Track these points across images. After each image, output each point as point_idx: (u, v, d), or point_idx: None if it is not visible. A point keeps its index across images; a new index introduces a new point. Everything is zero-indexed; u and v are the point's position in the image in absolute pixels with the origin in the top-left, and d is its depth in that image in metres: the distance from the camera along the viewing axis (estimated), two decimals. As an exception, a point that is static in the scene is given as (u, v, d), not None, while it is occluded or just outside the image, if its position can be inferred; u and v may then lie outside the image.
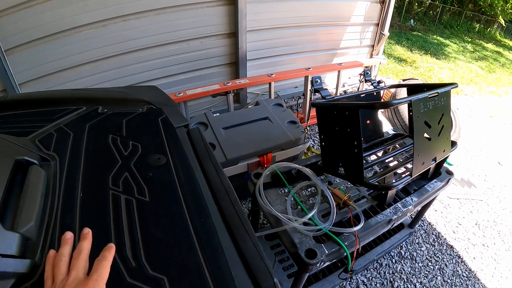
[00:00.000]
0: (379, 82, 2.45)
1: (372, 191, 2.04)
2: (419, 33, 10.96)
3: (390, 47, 8.44)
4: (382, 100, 2.66)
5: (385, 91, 4.32)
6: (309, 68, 3.65)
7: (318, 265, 1.56)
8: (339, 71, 4.03)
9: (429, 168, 2.17)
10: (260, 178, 1.90)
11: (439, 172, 2.26)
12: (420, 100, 1.70)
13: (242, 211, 1.16)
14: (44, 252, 0.83)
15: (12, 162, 1.01)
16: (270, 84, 3.49)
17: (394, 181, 1.86)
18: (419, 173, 1.83)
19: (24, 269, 0.77)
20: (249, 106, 3.24)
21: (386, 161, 2.27)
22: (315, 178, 1.88)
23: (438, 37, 10.94)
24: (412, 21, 12.47)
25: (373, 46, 5.05)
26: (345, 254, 1.62)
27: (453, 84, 1.98)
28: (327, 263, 1.64)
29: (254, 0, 3.59)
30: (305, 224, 1.68)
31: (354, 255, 1.69)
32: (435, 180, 2.20)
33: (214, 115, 2.84)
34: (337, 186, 1.99)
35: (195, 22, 3.42)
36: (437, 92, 1.81)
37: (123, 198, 1.04)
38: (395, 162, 2.28)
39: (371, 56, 5.09)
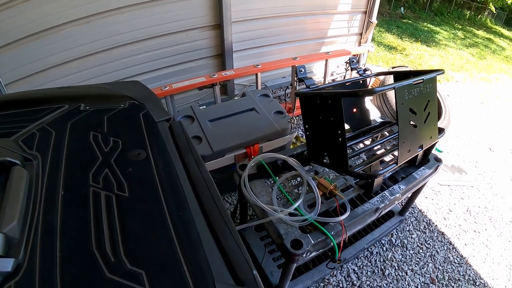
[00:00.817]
0: (365, 70, 2.42)
1: (358, 180, 2.02)
2: (410, 21, 10.93)
3: (380, 35, 8.40)
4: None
5: (375, 79, 4.31)
6: (296, 58, 3.61)
7: (304, 255, 1.56)
8: (326, 60, 3.99)
9: (417, 156, 2.15)
10: (245, 170, 1.88)
11: (427, 159, 2.25)
12: (404, 86, 1.68)
13: (223, 205, 1.15)
14: (28, 250, 0.84)
15: (-6, 164, 1.01)
16: (256, 75, 3.45)
17: (380, 169, 1.83)
18: (405, 161, 1.82)
19: (8, 268, 0.78)
20: (235, 98, 3.21)
21: (373, 149, 2.25)
22: (300, 168, 1.85)
23: (429, 25, 10.92)
24: (402, 8, 12.43)
25: (361, 34, 5.00)
26: (332, 243, 1.61)
27: (439, 71, 1.96)
28: (314, 253, 1.63)
29: (238, -10, 3.53)
30: (291, 214, 1.66)
31: (341, 245, 1.67)
32: (423, 167, 2.19)
33: (201, 108, 2.81)
34: (324, 175, 1.97)
35: (179, 15, 3.36)
36: (422, 79, 1.78)
37: (103, 195, 1.04)
38: (383, 150, 2.26)
39: (360, 44, 5.05)
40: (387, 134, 2.32)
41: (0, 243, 0.80)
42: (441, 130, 2.09)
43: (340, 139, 1.63)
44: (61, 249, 0.86)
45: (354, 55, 4.32)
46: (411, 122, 1.78)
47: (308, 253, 1.58)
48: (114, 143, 1.31)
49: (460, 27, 12.23)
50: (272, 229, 1.64)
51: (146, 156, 1.26)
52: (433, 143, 2.04)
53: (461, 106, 5.48)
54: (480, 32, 12.26)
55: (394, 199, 1.92)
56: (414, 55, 7.57)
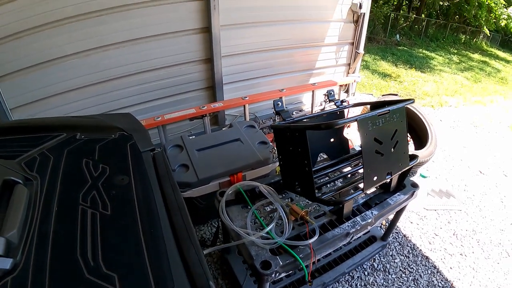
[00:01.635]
0: (342, 101, 2.57)
1: (332, 207, 2.13)
2: (405, 48, 11.19)
3: (375, 63, 8.60)
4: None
5: (363, 108, 4.45)
6: (283, 90, 3.78)
7: (273, 275, 1.66)
8: (313, 91, 4.16)
9: (390, 182, 2.26)
10: (223, 196, 2.01)
11: (402, 185, 2.34)
12: (367, 118, 1.81)
13: (190, 225, 1.32)
14: (24, 253, 1.03)
15: (0, 182, 1.22)
16: (244, 106, 3.62)
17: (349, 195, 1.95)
18: (371, 188, 1.93)
19: (7, 266, 0.96)
20: (223, 129, 3.37)
21: (348, 176, 2.37)
22: (271, 196, 1.98)
23: (424, 51, 11.15)
24: (398, 36, 12.72)
25: (349, 64, 5.20)
26: (301, 266, 1.71)
27: (409, 100, 2.09)
28: (283, 274, 1.73)
29: (227, 27, 3.74)
30: (263, 238, 1.78)
31: (311, 267, 1.77)
32: (398, 193, 2.28)
33: (190, 137, 2.97)
34: (298, 202, 2.08)
35: (171, 50, 3.57)
36: (388, 110, 1.91)
37: (89, 212, 1.24)
38: (357, 178, 2.37)
39: (348, 74, 5.23)
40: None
41: (1, 246, 0.98)
42: (413, 157, 2.20)
43: (306, 168, 1.76)
44: (51, 254, 1.05)
45: (341, 85, 4.49)
46: (378, 151, 1.89)
47: (277, 274, 1.68)
48: (102, 169, 1.51)
49: (455, 51, 12.46)
50: (245, 250, 1.76)
51: (129, 181, 1.46)
52: (403, 170, 2.14)
53: (454, 130, 5.54)
54: (476, 55, 12.46)
55: (366, 224, 2.02)
56: (408, 82, 7.73)
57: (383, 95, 5.00)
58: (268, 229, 1.79)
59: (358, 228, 1.97)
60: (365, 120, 1.79)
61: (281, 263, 1.67)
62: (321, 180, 2.31)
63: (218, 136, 2.99)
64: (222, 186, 2.63)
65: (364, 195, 2.17)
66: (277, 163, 2.86)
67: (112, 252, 1.10)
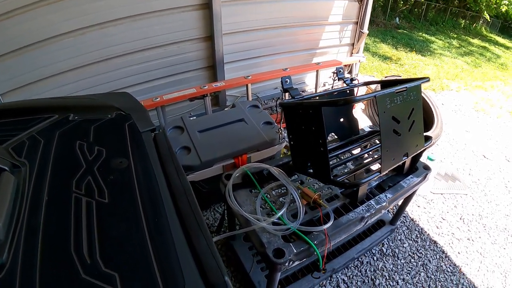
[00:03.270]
0: (351, 79, 2.44)
1: (344, 189, 2.02)
2: (405, 31, 11.01)
3: (375, 45, 8.46)
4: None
5: (367, 89, 4.32)
6: (286, 69, 3.64)
7: (286, 264, 1.55)
8: (317, 71, 4.03)
9: (403, 164, 2.15)
10: (230, 180, 1.88)
11: (415, 168, 2.24)
12: (386, 95, 1.68)
13: (199, 211, 1.18)
14: (11, 251, 0.90)
15: (-17, 170, 1.09)
16: (247, 86, 3.48)
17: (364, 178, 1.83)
18: (389, 170, 1.82)
19: None
20: (225, 109, 3.23)
21: (360, 158, 2.26)
22: (282, 178, 1.86)
23: (424, 34, 11.01)
24: (397, 19, 12.53)
25: (353, 44, 5.04)
26: (315, 252, 1.60)
27: (424, 79, 1.97)
28: (297, 262, 1.62)
29: (229, 3, 3.58)
30: (274, 223, 1.67)
31: (325, 254, 1.66)
32: (411, 176, 2.18)
33: (191, 118, 2.83)
34: (309, 185, 1.97)
35: (171, 27, 3.40)
36: (405, 87, 1.79)
37: (84, 201, 1.10)
38: (370, 159, 2.26)
39: (351, 54, 5.08)
40: (377, 143, 2.32)
41: (-16, 244, 0.84)
42: (428, 138, 2.10)
43: (321, 148, 1.63)
44: (42, 251, 0.91)
45: (345, 65, 4.35)
46: (395, 130, 1.78)
47: (291, 262, 1.57)
48: (98, 152, 1.37)
49: (455, 36, 12.32)
50: (255, 238, 1.64)
51: (128, 164, 1.32)
52: (419, 151, 2.04)
53: (456, 115, 5.48)
54: (475, 41, 12.35)
55: (381, 208, 1.91)
56: (409, 65, 7.61)
57: (385, 77, 4.87)
58: (279, 214, 1.67)
59: (373, 212, 1.87)
60: (383, 97, 1.67)
61: (295, 251, 1.56)
62: (332, 162, 2.19)
63: (220, 116, 2.85)
64: (226, 169, 2.52)
65: (379, 177, 2.05)
66: (283, 144, 2.74)
67: (112, 247, 0.96)
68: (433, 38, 10.82)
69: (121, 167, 1.30)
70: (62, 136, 1.45)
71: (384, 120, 1.68)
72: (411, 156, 1.98)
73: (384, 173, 1.82)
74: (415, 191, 2.34)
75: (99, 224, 1.01)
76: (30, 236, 0.95)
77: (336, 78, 2.53)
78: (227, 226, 2.54)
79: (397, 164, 1.87)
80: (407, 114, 1.84)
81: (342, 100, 1.56)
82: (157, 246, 0.98)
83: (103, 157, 1.33)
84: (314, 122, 1.63)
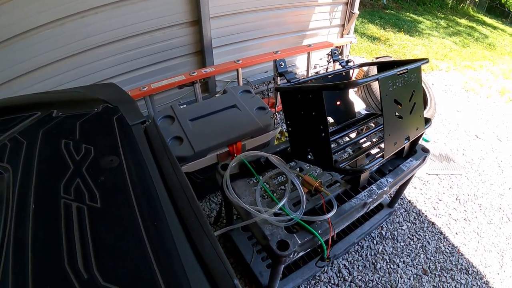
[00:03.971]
0: (347, 61, 2.36)
1: (345, 175, 1.96)
2: (392, 11, 10.90)
3: (363, 26, 8.35)
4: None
5: (358, 70, 4.26)
6: (277, 52, 3.54)
7: (291, 256, 1.50)
8: (308, 53, 3.93)
9: (403, 147, 2.10)
10: (226, 170, 1.80)
11: (414, 150, 2.20)
12: (388, 77, 1.62)
13: (200, 210, 1.11)
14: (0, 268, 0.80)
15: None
16: (237, 70, 3.37)
17: (367, 163, 1.78)
18: (392, 154, 1.76)
19: None
20: (216, 95, 3.13)
21: (359, 142, 2.20)
22: (282, 166, 1.79)
23: (411, 15, 10.92)
24: (384, -1, 12.46)
25: (343, 25, 4.92)
26: (319, 242, 1.55)
27: (423, 60, 1.91)
28: (301, 253, 1.56)
29: (215, -15, 3.43)
30: (276, 214, 1.60)
31: (329, 243, 1.61)
32: (410, 159, 2.14)
33: (181, 107, 2.73)
34: (309, 172, 1.91)
35: (155, 13, 3.24)
36: (406, 69, 1.73)
37: (74, 206, 1.00)
38: (368, 143, 2.21)
39: (342, 35, 4.98)
40: (373, 126, 2.26)
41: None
42: (427, 120, 2.05)
43: (323, 134, 1.56)
44: (33, 268, 0.82)
45: (336, 46, 4.26)
46: (396, 114, 1.72)
47: (295, 254, 1.52)
48: (86, 150, 1.26)
49: (442, 16, 12.27)
50: (257, 230, 1.58)
51: (119, 162, 1.21)
52: (419, 134, 1.99)
53: (447, 95, 5.46)
54: (463, 21, 12.32)
55: (382, 192, 1.87)
56: (398, 45, 7.55)
57: (376, 58, 4.80)
58: (280, 204, 1.61)
59: (375, 197, 1.82)
60: (386, 79, 1.60)
61: (299, 242, 1.50)
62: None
63: (212, 103, 2.75)
64: (220, 158, 2.44)
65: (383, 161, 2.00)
66: (278, 130, 2.66)
67: (109, 258, 0.87)
68: (420, 18, 10.75)
69: (112, 165, 1.20)
70: (46, 135, 1.33)
71: (386, 104, 1.62)
72: (413, 139, 1.93)
73: (388, 157, 1.77)
74: (414, 174, 2.30)
75: (93, 233, 0.93)
76: (18, 251, 0.85)
77: (331, 60, 2.44)
78: (224, 216, 2.48)
79: (400, 148, 1.82)
80: (408, 96, 1.78)
81: (343, 84, 1.48)
82: (158, 253, 0.89)
83: (91, 156, 1.23)
84: (314, 107, 1.56)
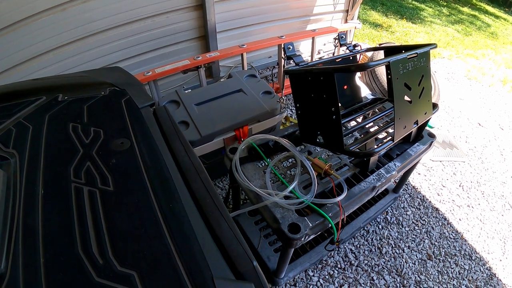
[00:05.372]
0: (354, 46, 2.34)
1: (353, 158, 1.96)
2: (394, -2, 10.82)
3: (365, 12, 8.26)
4: (359, 64, 2.55)
5: (362, 56, 4.23)
6: (282, 36, 3.49)
7: (302, 239, 1.50)
8: (313, 38, 3.88)
9: (411, 132, 2.10)
10: (235, 153, 1.79)
11: (421, 135, 2.20)
12: (399, 61, 1.61)
13: (215, 192, 1.08)
14: (9, 259, 0.78)
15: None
16: (242, 55, 3.33)
17: (375, 147, 1.77)
18: (401, 137, 1.76)
19: None
20: (221, 80, 3.09)
21: (367, 126, 2.19)
22: (293, 148, 1.78)
23: (414, 2, 10.77)
24: (386, -14, 12.29)
25: (347, 11, 4.85)
26: (330, 225, 1.55)
27: (432, 45, 1.89)
28: (312, 236, 1.57)
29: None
30: (286, 197, 1.61)
31: (339, 226, 1.62)
32: (417, 143, 2.14)
33: (186, 91, 2.70)
34: (317, 155, 1.90)
35: (158, -4, 3.19)
36: (416, 53, 1.72)
37: (86, 190, 0.98)
38: (376, 127, 2.20)
39: (346, 21, 4.92)
40: (378, 111, 2.25)
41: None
42: (435, 105, 2.04)
43: (334, 116, 1.56)
44: (45, 255, 0.79)
45: (341, 32, 4.20)
46: (406, 98, 1.72)
47: (307, 237, 1.52)
48: (95, 133, 1.24)
49: (445, 3, 12.12)
50: (268, 213, 1.57)
51: (130, 145, 1.19)
52: (427, 118, 1.99)
53: (449, 82, 5.44)
54: (465, 9, 12.18)
55: (390, 176, 1.87)
56: (400, 32, 7.47)
57: (380, 44, 4.76)
58: (291, 187, 1.60)
59: (384, 181, 1.82)
60: (397, 63, 1.59)
61: (310, 225, 1.50)
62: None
63: (217, 88, 2.72)
64: (227, 143, 2.42)
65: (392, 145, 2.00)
66: (284, 114, 2.65)
67: (125, 242, 0.84)
68: (423, 6, 10.62)
69: (123, 148, 1.17)
70: (52, 119, 1.30)
71: (397, 87, 1.61)
72: (421, 123, 1.92)
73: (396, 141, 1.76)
74: (420, 159, 2.30)
75: (106, 217, 0.90)
76: (29, 238, 0.83)
77: (338, 44, 2.42)
78: (230, 201, 2.48)
79: (409, 132, 1.82)
80: (418, 80, 1.78)
81: (355, 66, 1.47)
82: (175, 236, 0.87)
83: (101, 139, 1.20)
84: (326, 90, 1.55)
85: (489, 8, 13.84)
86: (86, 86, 1.62)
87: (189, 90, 2.75)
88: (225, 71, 4.11)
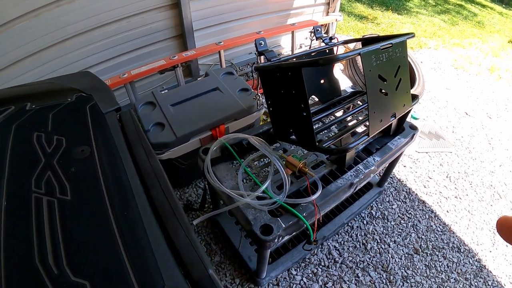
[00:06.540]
0: (331, 38, 2.28)
1: (329, 155, 1.91)
2: (380, -10, 10.77)
3: (350, 5, 8.21)
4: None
5: (345, 48, 4.17)
6: (260, 32, 3.44)
7: (276, 240, 1.44)
8: (293, 32, 3.82)
9: (390, 125, 2.05)
10: (207, 154, 1.73)
11: (402, 128, 2.15)
12: (371, 52, 1.54)
13: (174, 198, 1.06)
14: None
15: None
16: (219, 52, 3.27)
17: (352, 142, 1.72)
18: (377, 132, 1.70)
19: None
20: (198, 79, 3.03)
21: (346, 120, 2.14)
22: (264, 148, 1.72)
23: (399, -7, 10.81)
24: (372, -22, 12.23)
25: (328, 3, 4.77)
26: (305, 225, 1.50)
27: (409, 34, 1.83)
28: (286, 237, 1.51)
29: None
30: (260, 198, 1.55)
31: (315, 225, 1.56)
32: (398, 136, 2.09)
33: (162, 92, 2.64)
34: (293, 153, 1.84)
35: (132, -3, 3.11)
36: (391, 43, 1.65)
37: (45, 200, 0.98)
38: (355, 121, 2.15)
39: (327, 14, 4.86)
40: (360, 104, 2.20)
41: None
42: (415, 97, 1.98)
43: (304, 113, 1.49)
44: (5, 267, 0.80)
45: (322, 25, 4.14)
46: (382, 90, 1.66)
47: (280, 238, 1.46)
48: (57, 141, 1.23)
49: (431, -6, 12.16)
50: (240, 215, 1.53)
51: (90, 152, 1.18)
52: (406, 111, 1.93)
53: (436, 72, 5.40)
54: (451, -1, 12.22)
55: (369, 172, 1.81)
56: (386, 23, 7.44)
57: (363, 36, 4.71)
58: (264, 187, 1.55)
59: (362, 177, 1.77)
60: (369, 54, 1.53)
61: (284, 225, 1.45)
62: (315, 127, 2.05)
63: (193, 87, 2.66)
64: (203, 143, 2.37)
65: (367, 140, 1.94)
66: (262, 111, 2.59)
67: (79, 252, 0.85)
68: (408, -3, 10.64)
69: (83, 156, 1.16)
70: (18, 129, 1.29)
71: (370, 79, 1.55)
72: (399, 116, 1.87)
73: (372, 136, 1.71)
74: (403, 152, 2.25)
75: (63, 227, 0.90)
76: None
77: (314, 37, 2.36)
78: (210, 201, 2.43)
79: (386, 126, 1.76)
80: (394, 72, 1.71)
81: (322, 59, 1.40)
82: (128, 245, 0.86)
83: (63, 147, 1.19)
84: (294, 85, 1.48)
85: (475, -3, 13.85)
86: (54, 93, 1.59)
87: (166, 91, 2.69)
88: (204, 69, 4.03)
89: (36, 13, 2.71)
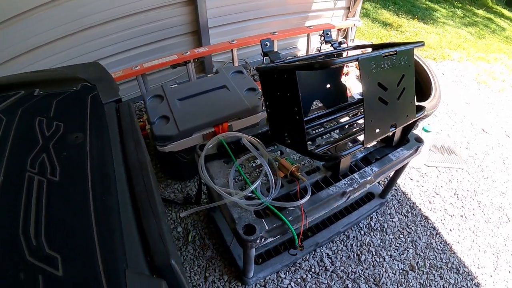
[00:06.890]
0: (340, 43, 2.26)
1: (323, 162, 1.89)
2: (408, -2, 10.60)
3: (375, 11, 8.11)
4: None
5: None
6: (275, 33, 3.43)
7: (258, 241, 1.44)
8: (308, 35, 3.79)
9: (393, 135, 2.01)
10: (203, 150, 1.75)
11: (406, 140, 2.10)
12: (370, 59, 1.51)
13: (151, 188, 1.13)
14: None
15: None
16: (232, 51, 3.29)
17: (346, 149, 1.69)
18: (373, 142, 1.67)
19: None
20: (208, 76, 3.06)
21: (346, 127, 2.11)
22: (253, 148, 1.72)
23: (427, 2, 10.52)
24: (401, -14, 12.04)
25: (348, 8, 4.72)
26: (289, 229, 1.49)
27: (418, 42, 1.79)
28: (269, 240, 1.51)
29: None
30: (248, 198, 1.55)
31: (301, 231, 1.55)
32: (401, 148, 2.04)
33: (172, 86, 2.69)
34: (288, 156, 1.84)
35: (152, -9, 3.16)
36: (395, 51, 1.62)
37: (36, 179, 1.07)
38: (357, 129, 2.12)
39: (347, 18, 4.80)
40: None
41: None
42: (420, 108, 1.93)
43: (297, 117, 1.48)
44: None
45: (339, 29, 4.10)
46: (382, 99, 1.62)
47: (263, 239, 1.46)
48: (56, 127, 1.31)
49: (459, 5, 11.80)
50: (227, 212, 1.55)
51: (84, 139, 1.27)
52: (409, 122, 1.88)
53: (457, 85, 5.26)
54: (480, 11, 11.84)
55: (365, 182, 1.79)
56: (410, 32, 7.30)
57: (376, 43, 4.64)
58: (253, 187, 1.55)
59: (356, 186, 1.74)
60: (367, 60, 1.49)
61: (267, 227, 1.45)
62: (315, 131, 2.04)
63: (202, 83, 2.69)
64: (206, 138, 2.39)
65: (363, 149, 1.91)
66: (267, 111, 2.60)
67: (56, 228, 0.94)
68: (436, 6, 10.36)
69: (77, 142, 1.25)
70: (24, 113, 1.39)
71: (367, 87, 1.51)
72: (401, 127, 1.83)
73: (369, 145, 1.68)
74: (406, 164, 2.20)
75: (47, 204, 0.99)
76: None
77: (323, 41, 2.34)
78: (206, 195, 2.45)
79: (384, 136, 1.72)
80: (396, 80, 1.67)
81: (318, 63, 1.39)
82: (101, 227, 0.94)
83: (60, 133, 1.28)
84: (289, 88, 1.47)
85: (505, 12, 13.43)
86: (61, 81, 1.71)
87: (175, 85, 2.73)
88: (218, 66, 4.04)
89: (58, 2, 2.80)
